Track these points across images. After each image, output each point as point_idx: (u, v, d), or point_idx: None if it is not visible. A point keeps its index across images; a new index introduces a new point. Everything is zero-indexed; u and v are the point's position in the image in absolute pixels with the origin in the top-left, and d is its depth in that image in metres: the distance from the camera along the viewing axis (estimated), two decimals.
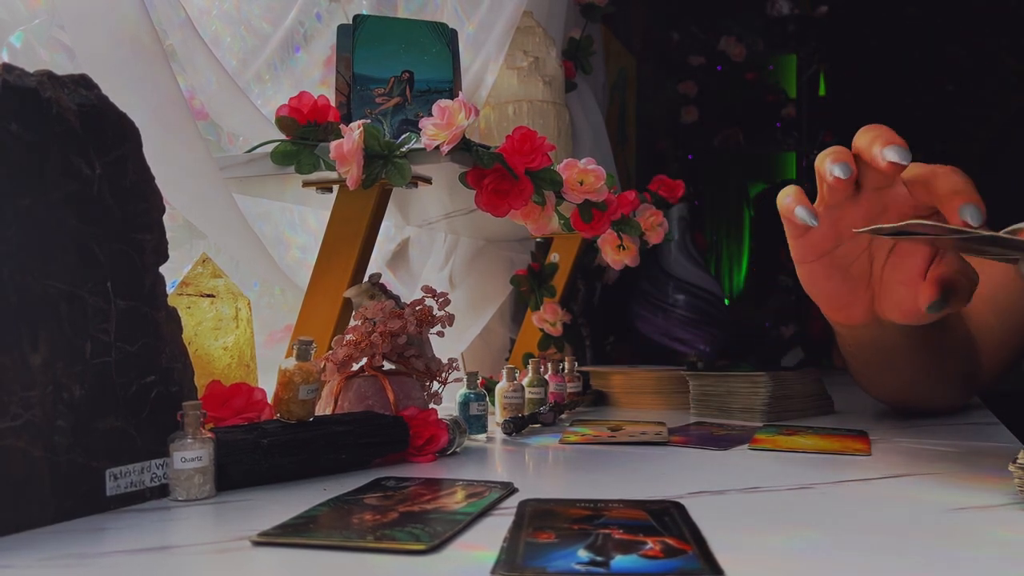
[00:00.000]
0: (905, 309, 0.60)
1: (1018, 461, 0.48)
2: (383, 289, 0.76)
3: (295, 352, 0.60)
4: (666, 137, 2.51)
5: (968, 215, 0.50)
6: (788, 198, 0.58)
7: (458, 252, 1.26)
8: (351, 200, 0.80)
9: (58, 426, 0.46)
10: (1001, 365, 0.86)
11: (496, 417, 0.87)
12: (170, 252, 0.55)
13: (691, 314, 1.35)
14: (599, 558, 0.37)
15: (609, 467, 0.63)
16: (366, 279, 0.77)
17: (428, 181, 0.80)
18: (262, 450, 0.56)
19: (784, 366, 1.00)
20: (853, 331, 0.68)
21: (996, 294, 0.84)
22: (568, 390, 0.99)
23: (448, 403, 0.79)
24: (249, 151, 0.80)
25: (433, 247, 1.26)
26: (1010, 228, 0.48)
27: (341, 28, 0.90)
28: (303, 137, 0.76)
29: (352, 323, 0.73)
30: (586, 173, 0.86)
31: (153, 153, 0.55)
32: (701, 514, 0.45)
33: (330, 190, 0.82)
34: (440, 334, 0.75)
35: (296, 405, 0.59)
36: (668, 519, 0.44)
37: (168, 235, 0.55)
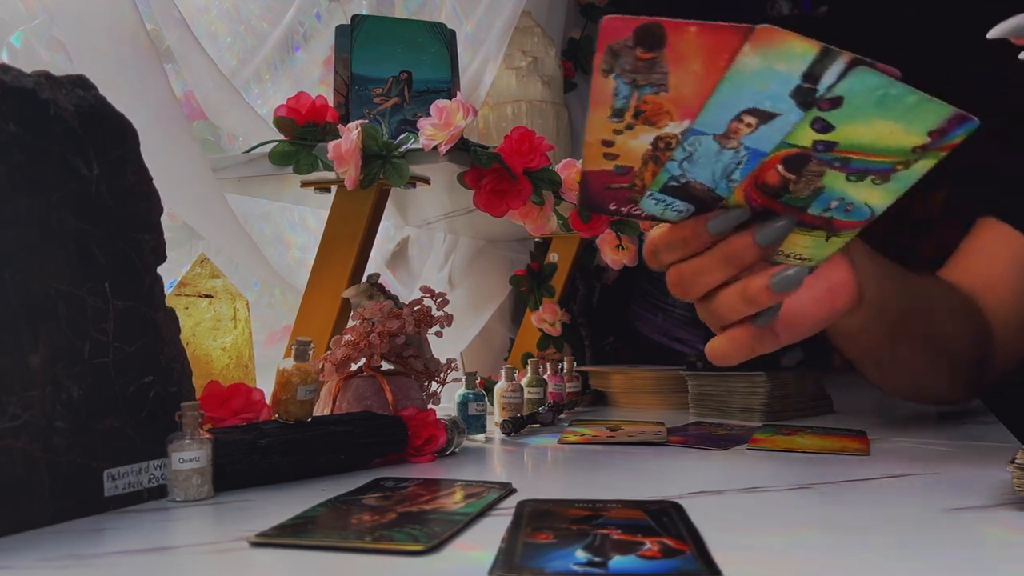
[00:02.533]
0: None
1: (1017, 461, 0.48)
2: (381, 289, 0.76)
3: (293, 352, 0.60)
4: None
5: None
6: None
7: (457, 252, 1.26)
8: (349, 200, 0.80)
9: (57, 426, 0.46)
10: None
11: (495, 417, 0.87)
12: (168, 252, 0.55)
13: (691, 314, 1.35)
14: (597, 559, 0.37)
15: (608, 467, 0.63)
16: (365, 279, 0.77)
17: (426, 181, 0.80)
18: (260, 451, 0.56)
19: (783, 366, 1.01)
20: (842, 326, 0.65)
21: (1009, 272, 0.81)
22: (567, 390, 0.99)
23: (447, 403, 0.79)
24: (248, 151, 0.80)
25: (432, 247, 1.26)
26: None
27: (339, 28, 0.91)
28: (301, 137, 0.76)
29: (351, 323, 0.73)
30: None
31: (146, 155, 0.54)
32: (699, 514, 0.45)
33: (328, 190, 0.82)
34: (439, 334, 0.75)
35: (294, 405, 0.59)
36: (666, 519, 0.44)
37: (167, 235, 0.55)
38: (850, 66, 0.44)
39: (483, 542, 0.41)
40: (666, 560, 0.37)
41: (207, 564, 0.40)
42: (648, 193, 0.50)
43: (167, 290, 0.56)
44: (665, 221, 0.52)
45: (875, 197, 0.48)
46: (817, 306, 0.55)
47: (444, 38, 0.92)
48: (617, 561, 0.37)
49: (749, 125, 0.45)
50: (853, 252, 0.57)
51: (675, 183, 0.49)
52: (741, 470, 0.61)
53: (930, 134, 0.45)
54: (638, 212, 0.52)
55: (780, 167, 0.47)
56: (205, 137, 0.97)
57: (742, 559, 0.38)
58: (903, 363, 0.74)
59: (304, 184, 0.82)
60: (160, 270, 0.54)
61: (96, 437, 0.48)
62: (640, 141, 0.47)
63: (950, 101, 0.45)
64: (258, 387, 0.66)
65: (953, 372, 0.78)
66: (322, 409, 0.70)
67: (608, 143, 0.48)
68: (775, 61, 0.44)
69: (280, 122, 0.76)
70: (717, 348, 0.54)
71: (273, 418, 0.60)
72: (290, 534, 0.43)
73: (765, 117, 0.45)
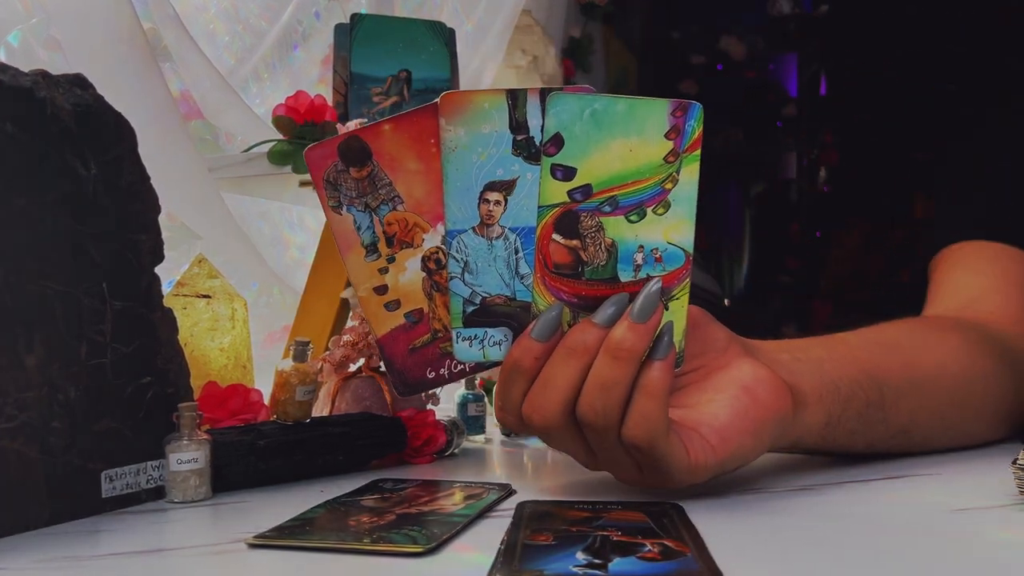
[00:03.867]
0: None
1: (1018, 461, 0.47)
2: None
3: (292, 353, 0.59)
4: None
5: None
6: None
7: None
8: None
9: (53, 427, 0.46)
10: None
11: (494, 418, 0.86)
12: (167, 252, 0.55)
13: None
14: (597, 560, 0.37)
15: None
16: None
17: None
18: (258, 452, 0.55)
19: None
20: (807, 431, 0.54)
21: None
22: None
23: (446, 404, 0.79)
24: (247, 151, 0.80)
25: None
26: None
27: (339, 27, 0.90)
28: (300, 137, 0.76)
29: (349, 324, 0.73)
30: None
31: (143, 155, 0.54)
32: (700, 516, 0.45)
33: None
34: None
35: (293, 406, 0.59)
36: (667, 521, 0.44)
37: (165, 235, 0.55)
38: (542, 97, 0.44)
39: (482, 544, 0.41)
40: (667, 562, 0.37)
41: (205, 565, 0.40)
42: (455, 334, 0.47)
43: (165, 290, 0.56)
44: (492, 364, 0.48)
45: (672, 231, 0.46)
46: (739, 407, 0.48)
47: (444, 37, 0.92)
48: (617, 563, 0.37)
49: (497, 203, 0.45)
50: (760, 354, 0.52)
51: (473, 307, 0.46)
52: (742, 471, 0.60)
53: (668, 135, 0.44)
54: (460, 367, 0.49)
55: (557, 237, 0.45)
56: (203, 136, 0.97)
57: (743, 560, 0.38)
58: (916, 432, 0.60)
59: (303, 184, 0.82)
60: (158, 270, 0.54)
61: (93, 438, 0.48)
62: (410, 273, 0.46)
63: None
64: (256, 388, 0.66)
65: (993, 405, 0.65)
66: (321, 410, 0.69)
67: (381, 289, 0.47)
68: (476, 124, 0.44)
69: (278, 121, 0.76)
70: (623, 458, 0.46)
71: (271, 419, 0.60)
72: (288, 536, 0.42)
73: (506, 187, 0.45)
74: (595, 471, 0.51)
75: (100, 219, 0.50)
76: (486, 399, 0.79)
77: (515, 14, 1.13)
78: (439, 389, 0.75)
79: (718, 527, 0.43)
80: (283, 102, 0.76)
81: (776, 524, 0.45)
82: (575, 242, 0.45)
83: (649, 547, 0.39)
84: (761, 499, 0.51)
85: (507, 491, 0.52)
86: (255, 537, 0.42)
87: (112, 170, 0.51)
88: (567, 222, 0.44)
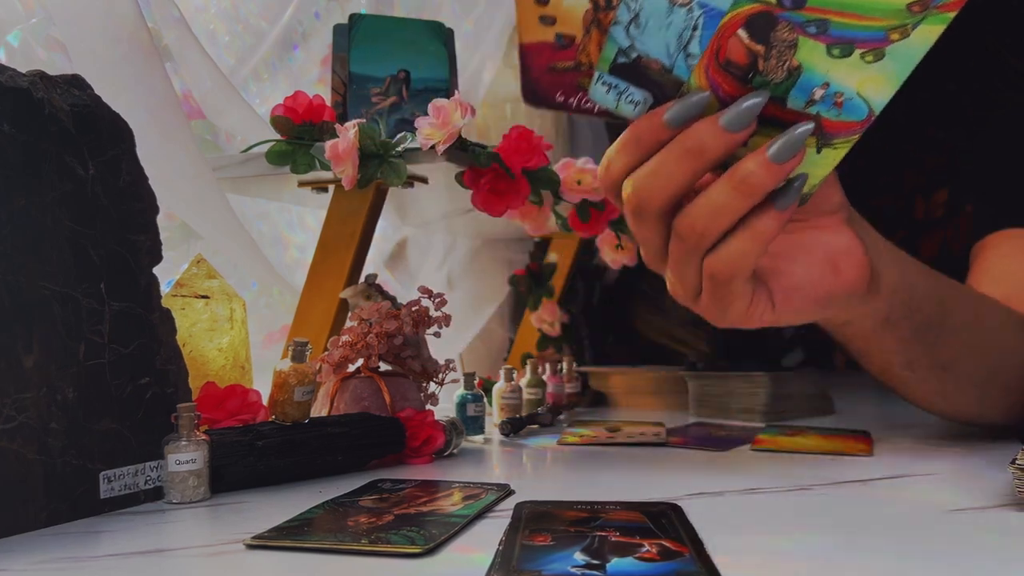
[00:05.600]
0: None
1: (1017, 461, 0.47)
2: (379, 290, 0.76)
3: (290, 353, 0.59)
4: None
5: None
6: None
7: (456, 252, 1.26)
8: (347, 200, 0.80)
9: (52, 428, 0.46)
10: None
11: (494, 418, 0.86)
12: (166, 253, 0.55)
13: (691, 314, 1.35)
14: (595, 561, 0.37)
15: (607, 468, 0.62)
16: (363, 279, 0.77)
17: (424, 181, 0.79)
18: (257, 452, 0.55)
19: (784, 366, 1.01)
20: (859, 318, 0.54)
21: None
22: (566, 391, 0.99)
23: (445, 404, 0.79)
24: (245, 151, 0.80)
25: (431, 247, 1.25)
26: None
27: (337, 27, 0.90)
28: (298, 137, 0.76)
29: (348, 324, 0.73)
30: (584, 172, 0.86)
31: (146, 154, 0.54)
32: (699, 516, 0.45)
33: (326, 190, 0.82)
34: (437, 335, 0.75)
35: (291, 407, 0.59)
36: (665, 521, 0.44)
37: (164, 236, 0.55)
38: None
39: (481, 544, 0.41)
40: (665, 562, 0.37)
41: (203, 566, 0.40)
42: (597, 76, 0.42)
43: (164, 291, 0.56)
44: (620, 118, 0.44)
45: (870, 84, 0.39)
46: (816, 274, 0.48)
47: (443, 37, 0.92)
48: (615, 563, 0.37)
49: None
50: (860, 228, 0.51)
51: (625, 60, 0.41)
52: (741, 471, 0.60)
53: None
54: (589, 105, 0.45)
55: (743, 34, 0.39)
56: (203, 136, 0.97)
57: (741, 561, 0.38)
58: (950, 374, 0.61)
59: (301, 184, 0.82)
60: (158, 270, 0.54)
61: (92, 439, 0.48)
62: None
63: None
64: (255, 388, 0.66)
65: (1011, 392, 0.66)
66: (319, 410, 0.69)
67: (543, 1, 0.43)
68: None
69: (276, 121, 0.76)
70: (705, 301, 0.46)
71: (270, 419, 0.60)
72: (287, 536, 0.42)
73: None
74: (653, 270, 0.48)
75: (99, 219, 0.50)
76: (485, 399, 0.79)
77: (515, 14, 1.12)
78: (439, 389, 0.75)
79: (717, 527, 0.43)
80: (282, 102, 0.76)
81: (774, 524, 0.45)
82: (760, 47, 0.39)
83: (647, 547, 0.39)
84: (759, 499, 0.51)
85: (506, 491, 0.52)
86: (253, 538, 0.42)
87: (110, 170, 0.51)
88: (761, 24, 0.38)
